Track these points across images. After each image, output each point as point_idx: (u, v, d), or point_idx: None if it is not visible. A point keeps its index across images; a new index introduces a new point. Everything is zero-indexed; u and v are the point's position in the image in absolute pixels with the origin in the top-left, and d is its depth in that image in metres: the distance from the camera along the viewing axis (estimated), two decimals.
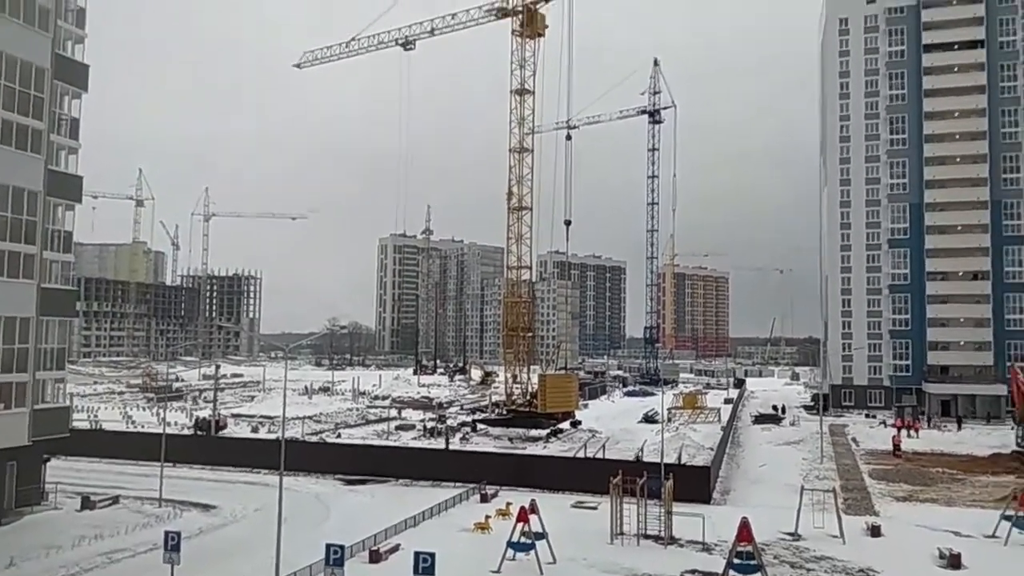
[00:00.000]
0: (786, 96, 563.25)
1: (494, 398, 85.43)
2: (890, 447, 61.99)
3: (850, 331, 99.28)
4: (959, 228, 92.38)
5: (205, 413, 71.75)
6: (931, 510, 41.58)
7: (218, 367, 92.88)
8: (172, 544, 22.52)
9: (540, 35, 72.33)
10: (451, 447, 57.60)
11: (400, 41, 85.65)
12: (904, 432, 69.05)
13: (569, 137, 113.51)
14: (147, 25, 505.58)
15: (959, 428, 75.73)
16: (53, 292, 37.72)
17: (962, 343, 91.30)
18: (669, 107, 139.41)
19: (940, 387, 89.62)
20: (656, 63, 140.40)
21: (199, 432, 63.45)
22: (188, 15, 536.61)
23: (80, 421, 64.41)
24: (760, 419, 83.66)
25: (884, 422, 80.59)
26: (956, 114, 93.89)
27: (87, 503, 38.90)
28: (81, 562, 29.99)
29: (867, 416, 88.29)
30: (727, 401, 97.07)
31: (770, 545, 32.69)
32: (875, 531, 35.37)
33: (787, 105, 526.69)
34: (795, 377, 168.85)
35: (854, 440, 68.89)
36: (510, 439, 64.83)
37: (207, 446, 55.67)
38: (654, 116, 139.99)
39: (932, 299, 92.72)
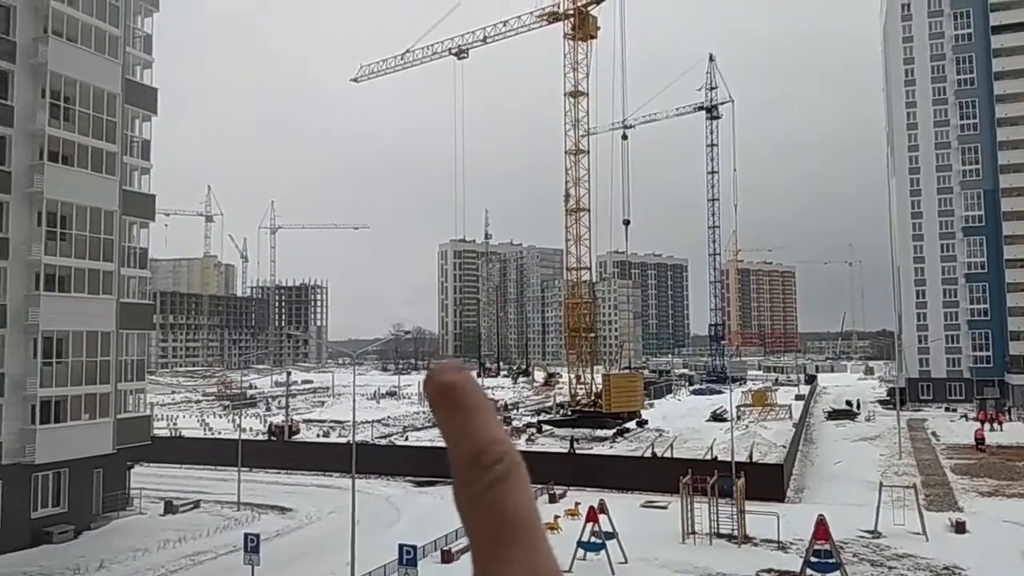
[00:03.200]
0: (849, 85, 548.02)
1: (558, 399, 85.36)
2: (972, 441, 59.57)
3: (926, 323, 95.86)
4: None
5: (278, 419, 73.53)
6: (1019, 505, 39.88)
7: (289, 374, 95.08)
8: (252, 546, 23.16)
9: (592, 37, 72.05)
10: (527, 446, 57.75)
11: (453, 51, 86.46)
12: (987, 425, 66.36)
13: (625, 137, 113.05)
14: (203, 44, 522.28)
15: None
16: (131, 307, 39.31)
17: None
18: (727, 102, 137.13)
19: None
20: (712, 58, 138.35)
21: (273, 438, 65.08)
22: (243, 32, 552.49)
23: (160, 429, 66.77)
24: (834, 415, 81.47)
25: (965, 415, 77.60)
26: None
27: (170, 507, 40.39)
28: (167, 564, 31.19)
29: (947, 410, 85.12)
30: (798, 397, 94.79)
31: (848, 543, 31.83)
32: (959, 527, 34.11)
33: (850, 95, 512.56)
34: (869, 371, 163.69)
35: (934, 434, 66.53)
36: (576, 439, 64.61)
37: (281, 451, 57.10)
38: (711, 112, 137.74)
39: (1012, 287, 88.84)
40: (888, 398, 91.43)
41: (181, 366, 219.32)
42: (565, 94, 71.73)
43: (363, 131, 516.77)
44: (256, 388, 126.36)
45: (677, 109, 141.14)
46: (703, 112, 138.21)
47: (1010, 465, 51.38)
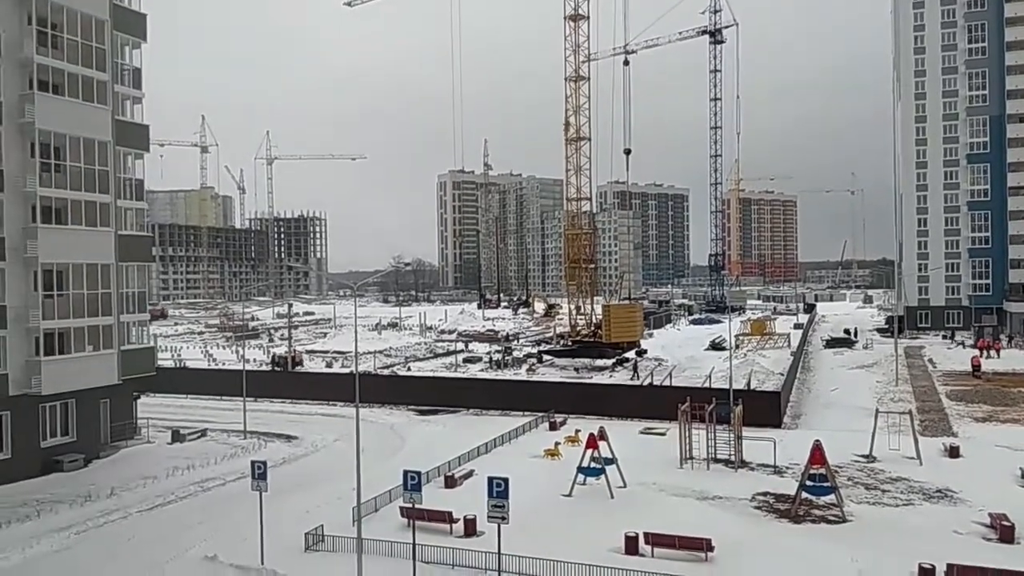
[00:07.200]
0: (854, 12, 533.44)
1: (558, 329, 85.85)
2: (969, 368, 60.29)
3: (926, 251, 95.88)
4: None
5: (281, 350, 74.11)
6: (1012, 430, 40.54)
7: (291, 306, 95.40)
8: (259, 473, 23.40)
9: None
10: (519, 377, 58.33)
11: None
12: (984, 352, 66.98)
13: (627, 63, 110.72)
14: None
15: None
16: (130, 239, 39.07)
17: None
18: (731, 25, 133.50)
19: (1022, 306, 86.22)
20: None
21: (276, 368, 65.68)
22: None
23: (165, 360, 67.38)
24: (832, 343, 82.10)
25: (963, 343, 78.23)
26: None
27: (177, 436, 41.10)
28: (176, 491, 31.85)
29: (944, 337, 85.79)
30: (797, 326, 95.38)
31: (844, 467, 32.44)
32: (953, 452, 34.72)
33: (855, 22, 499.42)
34: (868, 300, 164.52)
35: (931, 362, 67.17)
36: (576, 369, 65.34)
37: (285, 381, 57.78)
38: (715, 36, 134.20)
39: (1014, 215, 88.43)
40: (886, 326, 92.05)
41: (182, 298, 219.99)
42: (565, 17, 69.80)
43: (359, 62, 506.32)
44: (258, 320, 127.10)
45: (680, 33, 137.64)
46: (707, 37, 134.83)
47: (1005, 391, 52.05)
